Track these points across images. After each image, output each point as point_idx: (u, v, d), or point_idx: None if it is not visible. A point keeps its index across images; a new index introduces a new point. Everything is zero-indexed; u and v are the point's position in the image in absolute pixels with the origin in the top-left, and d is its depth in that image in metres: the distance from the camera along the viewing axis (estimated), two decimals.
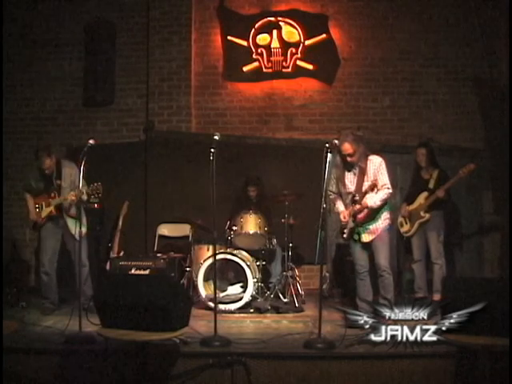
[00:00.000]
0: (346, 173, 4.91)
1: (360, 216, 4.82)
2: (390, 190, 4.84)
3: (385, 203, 4.87)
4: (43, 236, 5.48)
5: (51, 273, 5.43)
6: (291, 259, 6.06)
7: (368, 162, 4.83)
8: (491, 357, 3.71)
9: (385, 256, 4.84)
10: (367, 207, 4.77)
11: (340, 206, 5.00)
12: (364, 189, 4.77)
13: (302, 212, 6.08)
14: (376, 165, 4.83)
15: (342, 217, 4.93)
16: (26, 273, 6.51)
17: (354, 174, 4.88)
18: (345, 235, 4.95)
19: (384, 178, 4.81)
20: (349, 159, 4.82)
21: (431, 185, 5.79)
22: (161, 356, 3.98)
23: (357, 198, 4.78)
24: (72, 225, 5.33)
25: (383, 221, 4.87)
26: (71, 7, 7.36)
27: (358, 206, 4.78)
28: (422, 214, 5.72)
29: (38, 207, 5.45)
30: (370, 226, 4.86)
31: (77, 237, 5.29)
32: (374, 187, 4.69)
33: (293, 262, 6.13)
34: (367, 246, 4.92)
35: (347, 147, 4.77)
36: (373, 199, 4.76)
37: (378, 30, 7.21)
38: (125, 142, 7.26)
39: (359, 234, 4.89)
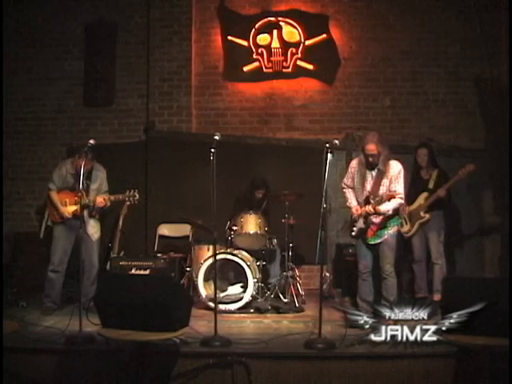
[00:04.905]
0: (367, 171, 4.94)
1: (373, 228, 4.85)
2: (403, 201, 4.90)
3: (396, 212, 4.89)
4: (57, 235, 5.47)
5: (60, 272, 5.43)
6: (291, 259, 6.06)
7: (388, 167, 4.85)
8: (491, 357, 3.71)
9: (390, 260, 4.87)
10: (379, 212, 4.79)
11: (353, 200, 5.03)
12: (380, 193, 4.79)
13: (302, 212, 6.07)
14: (395, 171, 4.84)
15: (354, 210, 4.94)
16: (27, 273, 6.49)
17: (372, 176, 4.91)
18: (353, 233, 4.97)
19: (399, 188, 4.82)
20: (371, 160, 4.85)
21: (431, 185, 5.79)
22: (161, 356, 3.99)
23: (372, 202, 4.79)
24: (93, 226, 5.50)
25: (392, 227, 4.91)
26: (71, 7, 7.35)
27: (370, 208, 4.78)
28: (421, 214, 5.72)
29: (62, 203, 5.45)
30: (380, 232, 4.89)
31: (93, 238, 5.46)
32: (390, 198, 4.72)
33: (293, 262, 6.13)
34: (373, 247, 4.93)
35: (372, 148, 4.79)
36: (385, 206, 4.77)
37: (379, 30, 7.20)
38: (125, 142, 7.25)
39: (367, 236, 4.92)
